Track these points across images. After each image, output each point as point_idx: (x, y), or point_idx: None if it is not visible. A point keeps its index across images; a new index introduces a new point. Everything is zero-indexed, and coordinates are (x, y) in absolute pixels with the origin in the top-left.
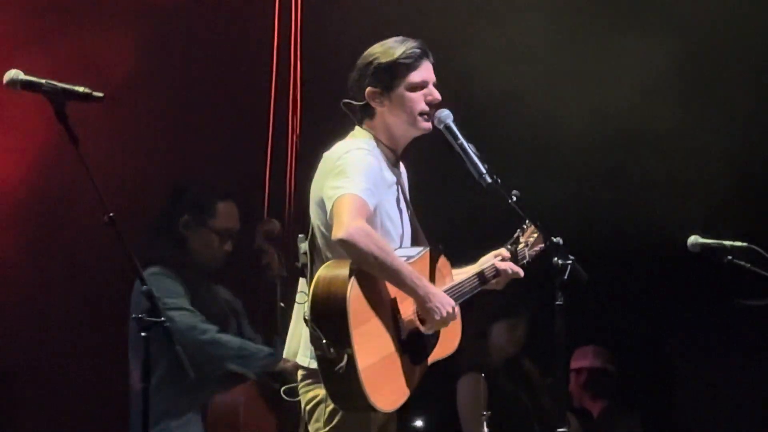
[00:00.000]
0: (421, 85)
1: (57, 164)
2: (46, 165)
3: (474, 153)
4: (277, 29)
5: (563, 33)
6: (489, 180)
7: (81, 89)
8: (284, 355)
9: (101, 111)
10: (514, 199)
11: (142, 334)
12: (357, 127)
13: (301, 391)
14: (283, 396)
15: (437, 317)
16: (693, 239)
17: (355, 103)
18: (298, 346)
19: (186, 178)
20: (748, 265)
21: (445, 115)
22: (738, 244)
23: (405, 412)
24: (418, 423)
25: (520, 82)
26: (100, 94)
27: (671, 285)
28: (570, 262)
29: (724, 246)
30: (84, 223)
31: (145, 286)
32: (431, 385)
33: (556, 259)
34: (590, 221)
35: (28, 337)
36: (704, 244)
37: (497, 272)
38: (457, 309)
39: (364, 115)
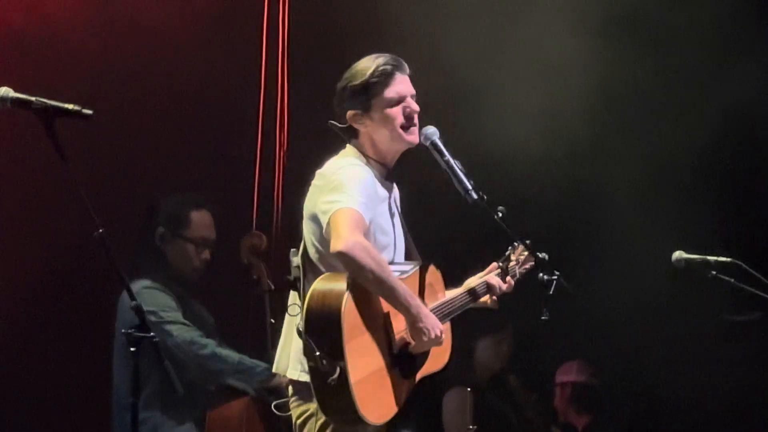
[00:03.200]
0: (397, 100)
1: (46, 180)
2: (35, 181)
3: (460, 169)
4: (265, 45)
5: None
6: (475, 196)
7: (70, 106)
8: (274, 369)
9: (89, 127)
10: (500, 215)
11: (132, 349)
12: (348, 145)
13: (291, 406)
14: (274, 410)
15: (425, 338)
16: (677, 254)
17: (339, 125)
18: (288, 359)
19: (169, 192)
20: (732, 280)
21: (431, 132)
22: (722, 259)
23: (392, 426)
24: None
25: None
26: (89, 111)
27: (656, 299)
28: (555, 277)
29: (708, 261)
30: (74, 239)
31: (134, 302)
32: (418, 400)
33: (541, 274)
34: (574, 234)
35: (16, 351)
36: (689, 260)
37: (488, 288)
38: (447, 326)
39: (349, 135)
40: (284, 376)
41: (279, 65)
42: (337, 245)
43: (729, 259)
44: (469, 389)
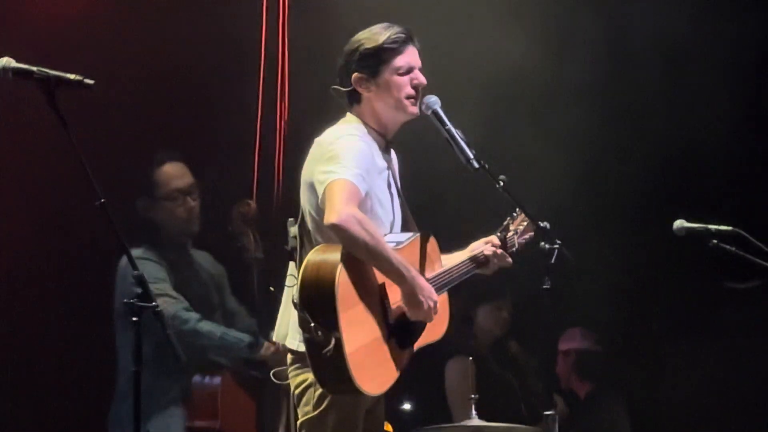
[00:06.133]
0: (406, 70)
1: (49, 150)
2: (37, 151)
3: (462, 138)
4: (265, 16)
5: None
6: (476, 165)
7: (72, 76)
8: (274, 338)
9: (89, 95)
10: (502, 184)
11: (134, 319)
12: (348, 113)
13: (290, 375)
14: (273, 379)
15: (419, 309)
16: (678, 223)
17: (342, 88)
18: (287, 329)
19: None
20: (734, 248)
21: (433, 101)
22: (723, 228)
23: (393, 395)
24: (407, 406)
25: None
26: (91, 82)
27: (657, 267)
28: (557, 245)
29: (710, 230)
30: (76, 209)
31: (136, 271)
32: (419, 369)
33: (543, 243)
34: (576, 203)
35: (18, 324)
36: (690, 228)
37: (486, 259)
38: (445, 296)
39: (351, 100)
40: (283, 345)
41: (279, 35)
42: (330, 217)
43: (730, 228)
44: (470, 358)
